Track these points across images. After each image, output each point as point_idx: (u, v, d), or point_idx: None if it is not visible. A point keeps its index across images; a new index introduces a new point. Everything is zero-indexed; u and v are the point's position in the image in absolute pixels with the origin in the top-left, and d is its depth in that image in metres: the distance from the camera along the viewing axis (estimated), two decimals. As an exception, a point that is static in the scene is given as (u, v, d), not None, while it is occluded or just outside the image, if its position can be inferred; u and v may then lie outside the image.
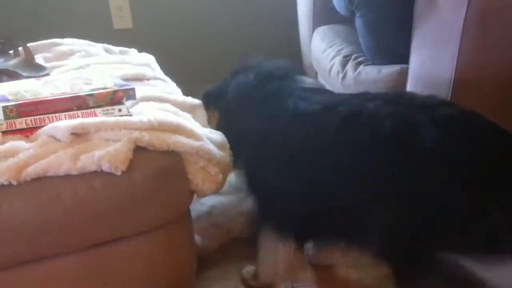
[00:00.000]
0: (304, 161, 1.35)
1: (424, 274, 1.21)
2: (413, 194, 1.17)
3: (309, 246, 1.67)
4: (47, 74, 1.73)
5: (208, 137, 1.40)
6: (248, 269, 1.69)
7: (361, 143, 1.24)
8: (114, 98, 1.38)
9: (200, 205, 1.89)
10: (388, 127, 1.20)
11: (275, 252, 1.51)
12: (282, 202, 1.42)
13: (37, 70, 1.74)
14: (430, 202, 1.15)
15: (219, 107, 1.64)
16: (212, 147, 1.36)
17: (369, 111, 1.26)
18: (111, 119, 1.28)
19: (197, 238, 1.72)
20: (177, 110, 1.52)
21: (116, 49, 2.06)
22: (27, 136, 1.31)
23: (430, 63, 1.68)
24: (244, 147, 1.49)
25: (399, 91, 1.43)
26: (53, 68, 1.80)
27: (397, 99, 1.30)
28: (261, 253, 1.57)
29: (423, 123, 1.17)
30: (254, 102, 1.50)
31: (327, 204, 1.33)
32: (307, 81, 1.60)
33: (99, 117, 1.32)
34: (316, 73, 2.61)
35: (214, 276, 1.72)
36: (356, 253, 1.39)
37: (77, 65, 1.81)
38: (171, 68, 1.97)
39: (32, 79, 1.61)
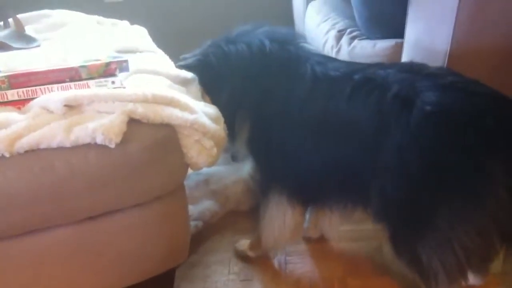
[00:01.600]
0: (321, 125, 1.38)
1: (422, 237, 1.24)
2: (412, 152, 1.20)
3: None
4: (38, 46, 1.70)
5: (203, 111, 1.39)
6: (242, 242, 1.70)
7: (369, 105, 1.28)
8: (107, 70, 1.37)
9: (196, 175, 1.89)
10: (394, 90, 1.26)
11: (283, 216, 1.53)
12: (296, 165, 1.44)
13: (28, 41, 1.71)
14: (429, 160, 1.19)
15: (218, 75, 1.55)
16: (206, 120, 1.35)
17: (380, 77, 1.31)
18: (105, 91, 1.26)
19: (198, 223, 1.75)
20: (171, 83, 1.51)
21: (108, 21, 2.03)
22: (19, 108, 1.30)
23: (426, 37, 1.68)
24: (256, 110, 1.49)
25: (412, 62, 1.45)
26: (44, 39, 1.77)
27: (408, 68, 1.35)
28: (266, 218, 1.57)
29: (427, 88, 1.22)
30: (272, 67, 1.48)
31: (337, 166, 1.37)
32: (313, 48, 1.61)
33: (92, 89, 1.31)
34: (310, 47, 2.59)
35: (209, 248, 1.73)
36: (356, 216, 1.43)
37: (68, 37, 1.78)
38: (162, 40, 1.95)
39: (23, 51, 1.59)
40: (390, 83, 1.28)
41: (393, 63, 1.43)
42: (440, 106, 1.18)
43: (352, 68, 1.41)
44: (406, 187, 1.23)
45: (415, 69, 1.33)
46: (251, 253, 1.67)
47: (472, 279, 1.42)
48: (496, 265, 1.44)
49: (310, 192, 1.49)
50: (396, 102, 1.24)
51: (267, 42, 1.50)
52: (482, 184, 1.15)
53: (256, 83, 1.48)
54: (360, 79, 1.33)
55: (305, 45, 1.56)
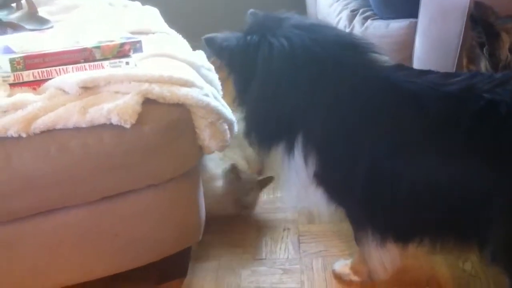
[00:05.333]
0: (435, 153, 1.14)
1: None
2: None
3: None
4: (51, 27, 1.70)
5: (215, 96, 1.39)
6: (341, 264, 1.55)
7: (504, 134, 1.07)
8: (121, 51, 1.37)
9: None
10: None
11: (386, 256, 1.37)
12: (397, 201, 1.19)
13: (41, 23, 1.71)
14: None
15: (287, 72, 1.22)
16: (220, 104, 1.35)
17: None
18: (121, 71, 1.27)
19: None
20: (185, 65, 1.50)
21: (119, 2, 2.02)
22: (34, 89, 1.31)
23: (440, 16, 1.66)
24: (333, 132, 1.21)
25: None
26: (56, 21, 1.77)
27: None
28: (372, 257, 1.41)
29: None
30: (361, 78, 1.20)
31: (452, 196, 1.14)
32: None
33: (108, 70, 1.31)
34: (322, 28, 2.57)
35: (222, 229, 1.74)
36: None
37: (81, 18, 1.78)
38: (174, 21, 1.94)
39: (37, 32, 1.59)
40: None
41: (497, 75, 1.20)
42: None
43: (466, 84, 1.15)
44: None
45: None
46: (355, 278, 1.50)
47: None
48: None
49: (412, 229, 1.27)
50: None
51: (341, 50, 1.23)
52: None
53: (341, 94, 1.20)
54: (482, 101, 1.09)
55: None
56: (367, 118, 1.17)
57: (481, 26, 1.41)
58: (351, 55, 1.23)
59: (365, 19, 1.98)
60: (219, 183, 1.72)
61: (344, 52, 1.23)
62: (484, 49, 1.43)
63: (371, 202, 1.23)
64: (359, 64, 1.22)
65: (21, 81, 1.30)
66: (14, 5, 1.80)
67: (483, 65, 1.46)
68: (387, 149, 1.16)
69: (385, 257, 1.39)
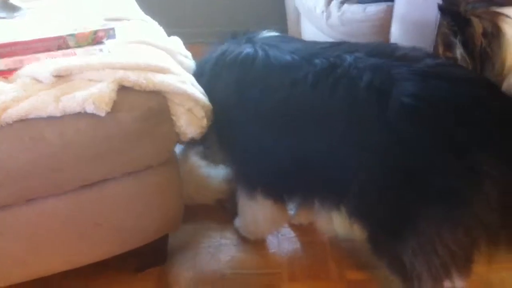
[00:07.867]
0: (280, 118, 1.28)
1: (404, 238, 1.15)
2: (391, 150, 1.11)
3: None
4: (24, 15, 1.67)
5: (192, 83, 1.38)
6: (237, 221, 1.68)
7: (338, 97, 1.17)
8: (95, 38, 1.35)
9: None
10: (366, 79, 1.14)
11: (251, 209, 1.51)
12: (262, 161, 1.36)
13: (12, 10, 1.68)
14: (409, 159, 1.09)
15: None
16: (196, 91, 1.35)
17: (347, 63, 1.19)
18: (95, 59, 1.25)
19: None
20: (162, 52, 1.49)
21: (94, -12, 1.99)
22: (6, 78, 1.28)
23: (416, 3, 1.66)
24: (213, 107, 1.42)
25: (380, 42, 1.36)
26: (29, 8, 1.74)
27: (378, 51, 1.23)
28: (240, 210, 1.57)
29: (403, 75, 1.12)
30: (214, 63, 1.46)
31: (300, 160, 1.27)
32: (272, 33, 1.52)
33: (82, 58, 1.29)
34: (299, 14, 2.57)
35: (201, 216, 1.74)
36: (331, 211, 1.32)
37: (54, 5, 1.75)
38: (150, 7, 1.92)
39: (8, 20, 1.56)
40: (360, 70, 1.16)
41: (358, 43, 1.29)
42: (420, 98, 1.08)
43: (312, 50, 1.29)
44: (385, 188, 1.13)
45: (386, 52, 1.22)
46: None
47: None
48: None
49: (280, 188, 1.41)
50: (370, 93, 1.12)
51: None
52: (470, 183, 1.05)
53: (210, 85, 1.43)
54: (323, 65, 1.21)
55: (259, 32, 1.50)
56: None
57: (449, 16, 1.41)
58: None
59: (342, 3, 1.99)
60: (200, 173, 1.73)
61: None
62: (457, 38, 1.43)
63: (249, 163, 1.41)
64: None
65: (-7, 70, 1.28)
66: (-16, -8, 1.76)
67: (459, 52, 1.46)
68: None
69: (258, 213, 1.50)
